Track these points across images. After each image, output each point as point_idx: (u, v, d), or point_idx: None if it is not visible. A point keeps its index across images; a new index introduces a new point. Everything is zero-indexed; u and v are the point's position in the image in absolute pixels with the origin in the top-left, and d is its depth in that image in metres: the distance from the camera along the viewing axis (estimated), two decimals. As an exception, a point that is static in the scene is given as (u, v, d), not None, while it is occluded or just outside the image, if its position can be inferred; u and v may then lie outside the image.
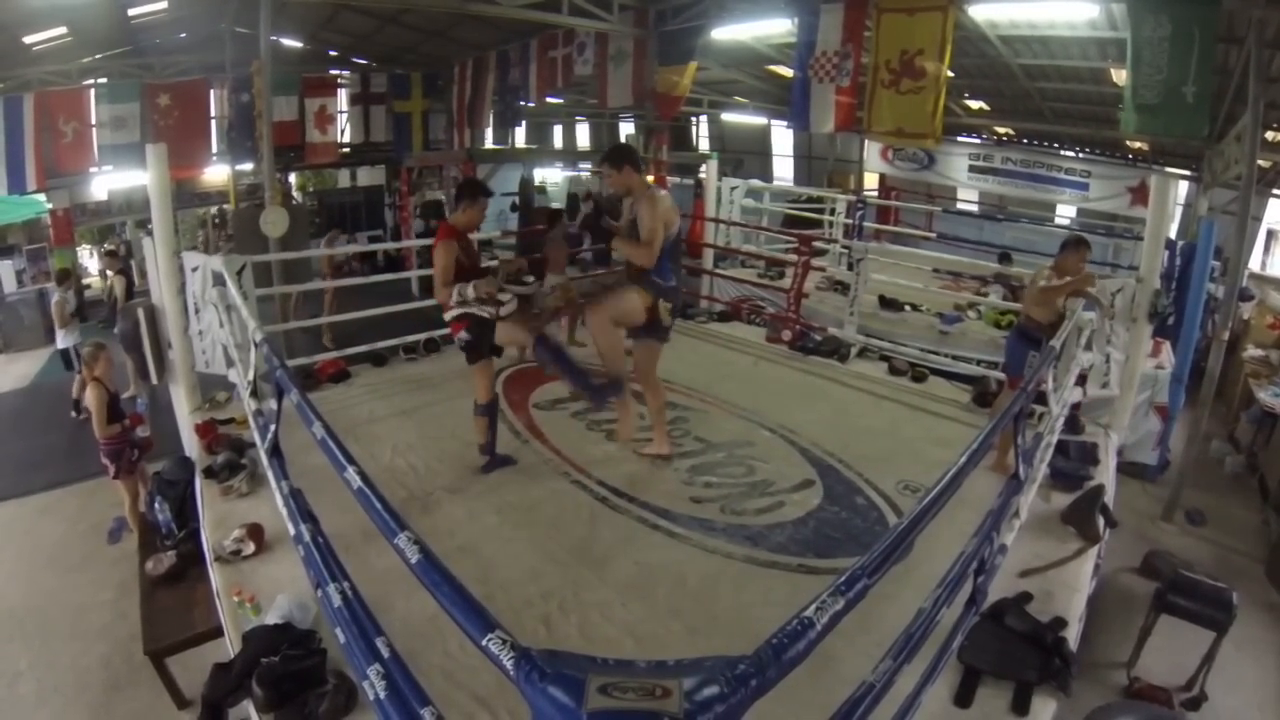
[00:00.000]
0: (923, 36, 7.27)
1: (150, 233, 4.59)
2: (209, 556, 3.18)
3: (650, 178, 10.04)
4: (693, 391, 5.13)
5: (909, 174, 12.21)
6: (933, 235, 10.28)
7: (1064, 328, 3.67)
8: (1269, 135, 7.97)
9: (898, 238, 10.80)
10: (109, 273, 11.93)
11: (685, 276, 6.55)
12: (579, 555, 3.21)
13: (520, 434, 4.42)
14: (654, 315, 3.73)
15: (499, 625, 1.20)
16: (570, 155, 20.88)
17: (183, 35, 13.34)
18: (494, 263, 4.09)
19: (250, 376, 3.50)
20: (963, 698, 2.39)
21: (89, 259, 16.21)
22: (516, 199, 17.22)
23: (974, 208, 12.99)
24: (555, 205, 14.35)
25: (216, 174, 15.60)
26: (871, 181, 13.11)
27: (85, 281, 14.52)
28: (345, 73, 15.72)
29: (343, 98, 15.48)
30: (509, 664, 1.12)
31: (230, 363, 4.17)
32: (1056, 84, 9.90)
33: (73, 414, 7.63)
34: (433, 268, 3.63)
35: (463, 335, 3.65)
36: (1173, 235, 6.63)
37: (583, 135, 21.36)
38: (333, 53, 15.77)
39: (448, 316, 3.67)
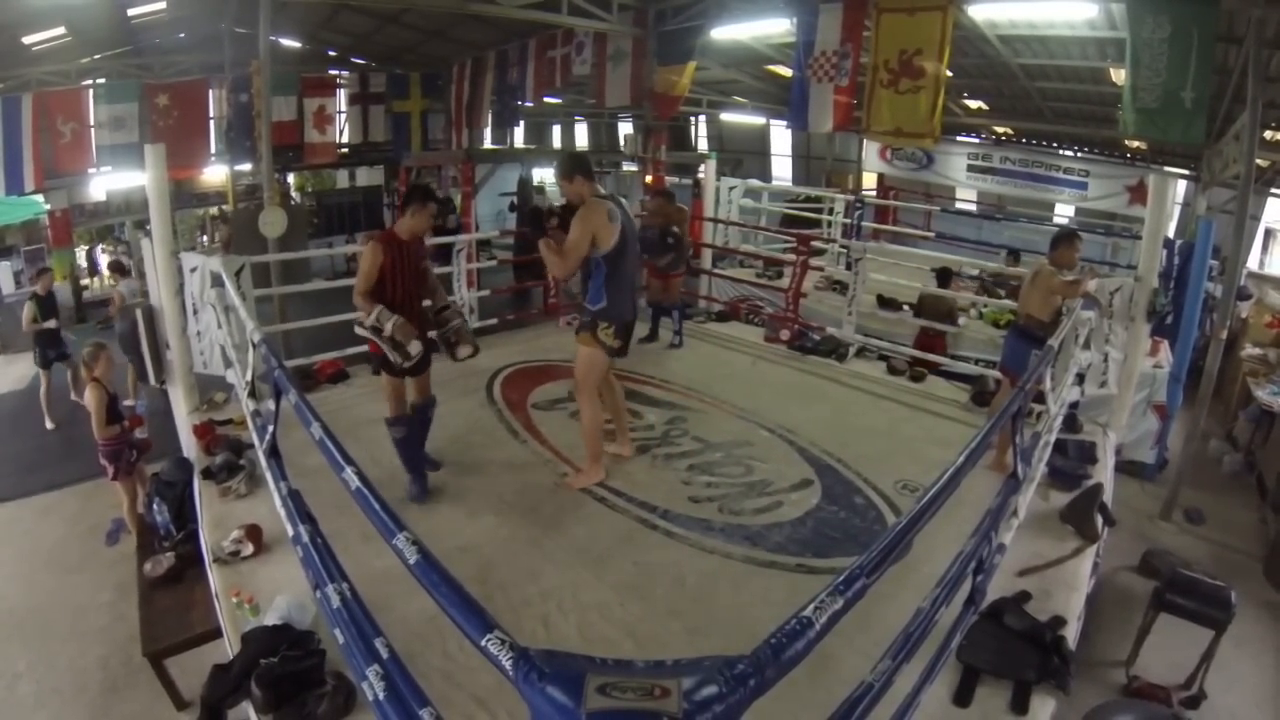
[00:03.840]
0: (922, 36, 7.27)
1: (149, 233, 4.58)
2: (207, 557, 3.18)
3: (649, 178, 10.09)
4: (691, 391, 5.13)
5: (907, 173, 12.23)
6: (931, 235, 10.30)
7: (1063, 326, 3.67)
8: (1267, 134, 7.97)
9: (896, 237, 10.81)
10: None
11: (687, 278, 6.58)
12: (578, 555, 3.21)
13: (519, 434, 4.42)
14: (604, 345, 3.60)
15: (497, 625, 1.20)
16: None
17: (182, 35, 13.33)
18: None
19: (248, 377, 3.50)
20: (962, 697, 2.40)
21: (91, 259, 16.20)
22: (515, 199, 17.23)
23: (972, 207, 13.00)
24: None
25: (215, 174, 15.60)
26: (870, 181, 13.11)
27: (84, 282, 14.50)
28: (344, 73, 15.72)
29: (341, 98, 15.49)
30: (507, 664, 1.12)
31: (228, 363, 4.16)
32: (1056, 84, 9.90)
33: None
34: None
35: (376, 356, 3.50)
36: (1171, 234, 6.63)
37: (581, 135, 21.36)
38: (332, 53, 15.76)
39: (358, 330, 3.43)
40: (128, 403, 6.45)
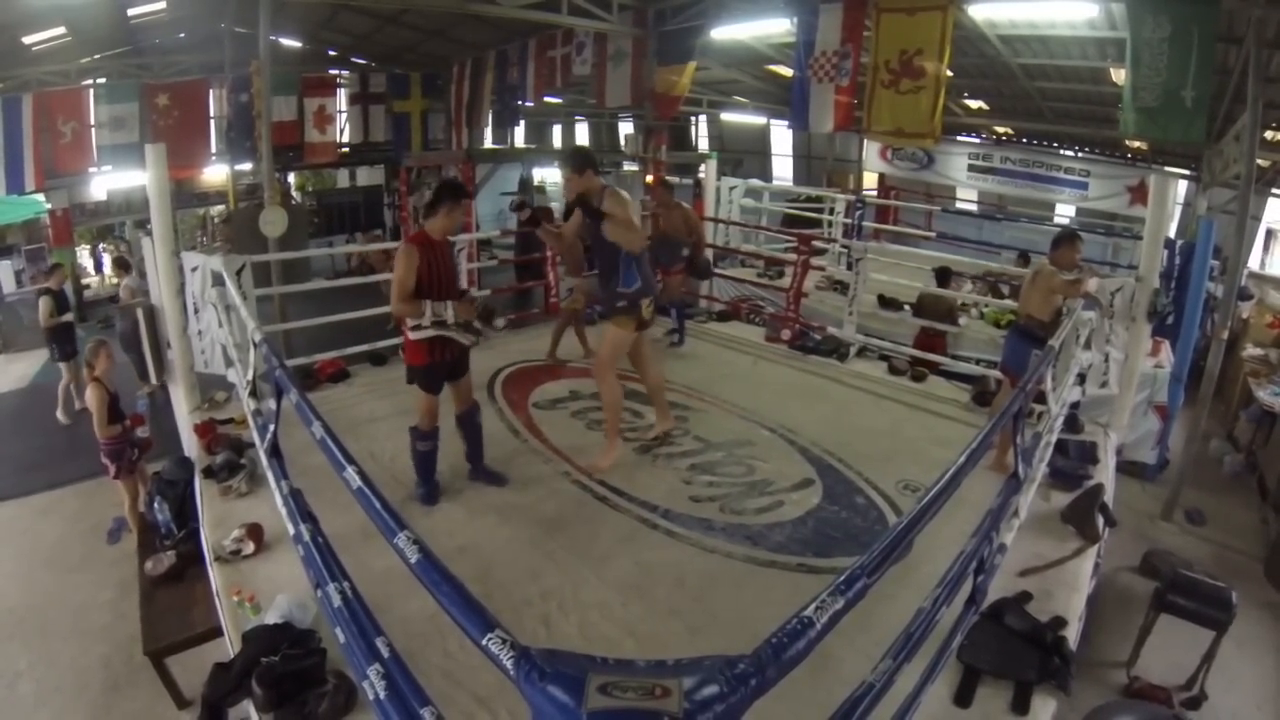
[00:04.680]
0: (922, 36, 7.27)
1: (149, 233, 4.58)
2: (208, 556, 3.18)
3: (649, 178, 10.08)
4: (692, 391, 5.13)
5: (908, 173, 12.22)
6: (932, 235, 10.30)
7: (1064, 326, 3.67)
8: (1268, 135, 7.97)
9: (897, 237, 10.80)
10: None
11: (686, 278, 6.59)
12: (578, 555, 3.21)
13: (520, 433, 4.42)
14: (641, 322, 3.81)
15: (498, 625, 1.20)
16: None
17: (182, 35, 13.33)
18: (480, 292, 3.96)
19: (249, 376, 3.50)
20: (962, 697, 2.40)
21: (88, 259, 16.21)
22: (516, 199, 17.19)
23: (973, 207, 13.00)
24: (554, 204, 14.38)
25: (215, 174, 15.61)
26: (871, 181, 13.11)
27: (85, 281, 14.51)
28: (344, 72, 15.71)
29: (342, 97, 15.48)
30: (508, 663, 1.12)
31: (229, 362, 4.16)
32: (1056, 83, 9.90)
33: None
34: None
35: (415, 368, 3.40)
36: (1172, 234, 6.63)
37: (582, 135, 21.36)
38: (332, 52, 15.76)
39: (416, 336, 3.33)
40: (143, 391, 6.48)
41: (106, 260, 15.69)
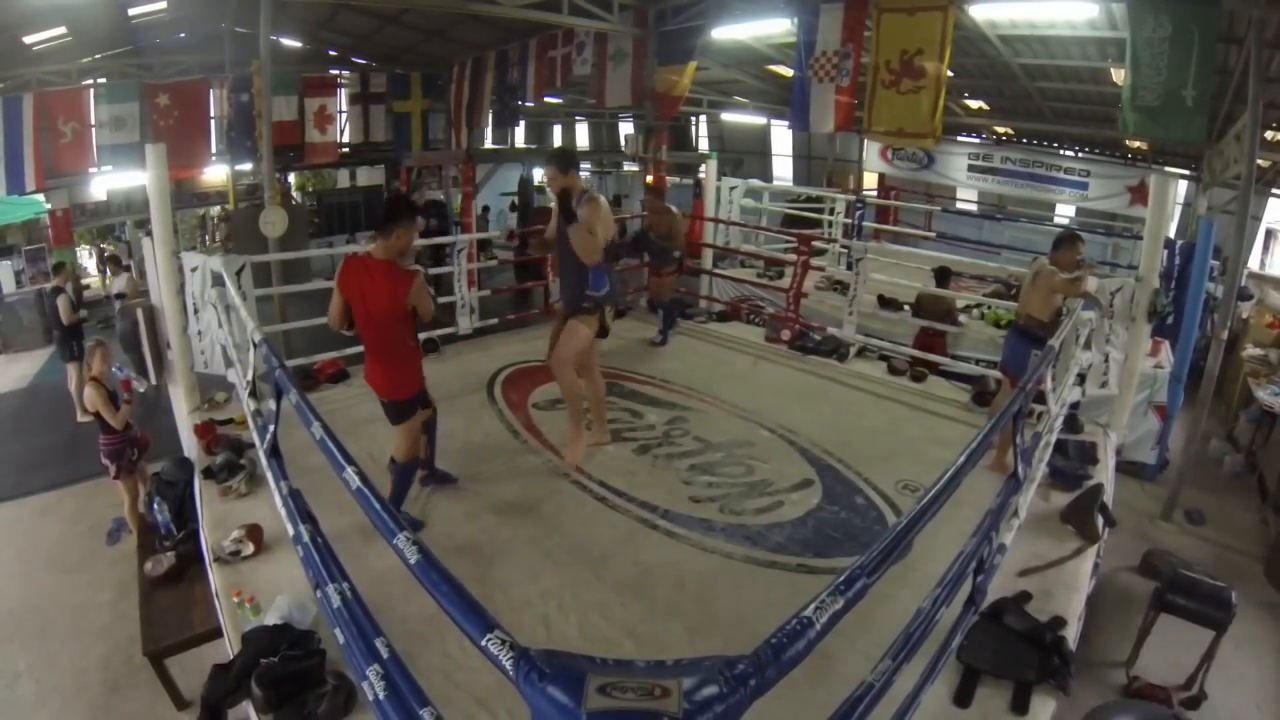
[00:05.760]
0: (923, 36, 7.27)
1: (150, 233, 4.59)
2: (208, 557, 3.18)
3: (650, 178, 10.10)
4: (692, 391, 5.13)
5: (908, 173, 12.22)
6: (932, 235, 10.30)
7: (1063, 326, 3.67)
8: (1268, 135, 7.97)
9: (897, 237, 10.80)
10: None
11: (684, 277, 6.61)
12: (578, 555, 3.21)
13: (519, 434, 4.42)
14: (602, 327, 3.90)
15: (498, 625, 1.20)
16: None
17: (182, 35, 13.35)
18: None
19: (249, 377, 3.50)
20: (962, 697, 2.40)
21: (89, 258, 16.25)
22: (515, 199, 17.24)
23: (973, 207, 12.99)
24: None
25: (215, 174, 15.60)
26: (871, 181, 13.11)
27: (85, 281, 14.52)
28: (345, 72, 15.70)
29: (342, 97, 15.47)
30: (508, 664, 1.12)
31: (229, 363, 4.16)
32: (1056, 84, 9.90)
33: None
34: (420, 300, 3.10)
35: (418, 398, 3.30)
36: (1172, 234, 6.63)
37: (582, 135, 21.36)
38: (332, 52, 15.76)
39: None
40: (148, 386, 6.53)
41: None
